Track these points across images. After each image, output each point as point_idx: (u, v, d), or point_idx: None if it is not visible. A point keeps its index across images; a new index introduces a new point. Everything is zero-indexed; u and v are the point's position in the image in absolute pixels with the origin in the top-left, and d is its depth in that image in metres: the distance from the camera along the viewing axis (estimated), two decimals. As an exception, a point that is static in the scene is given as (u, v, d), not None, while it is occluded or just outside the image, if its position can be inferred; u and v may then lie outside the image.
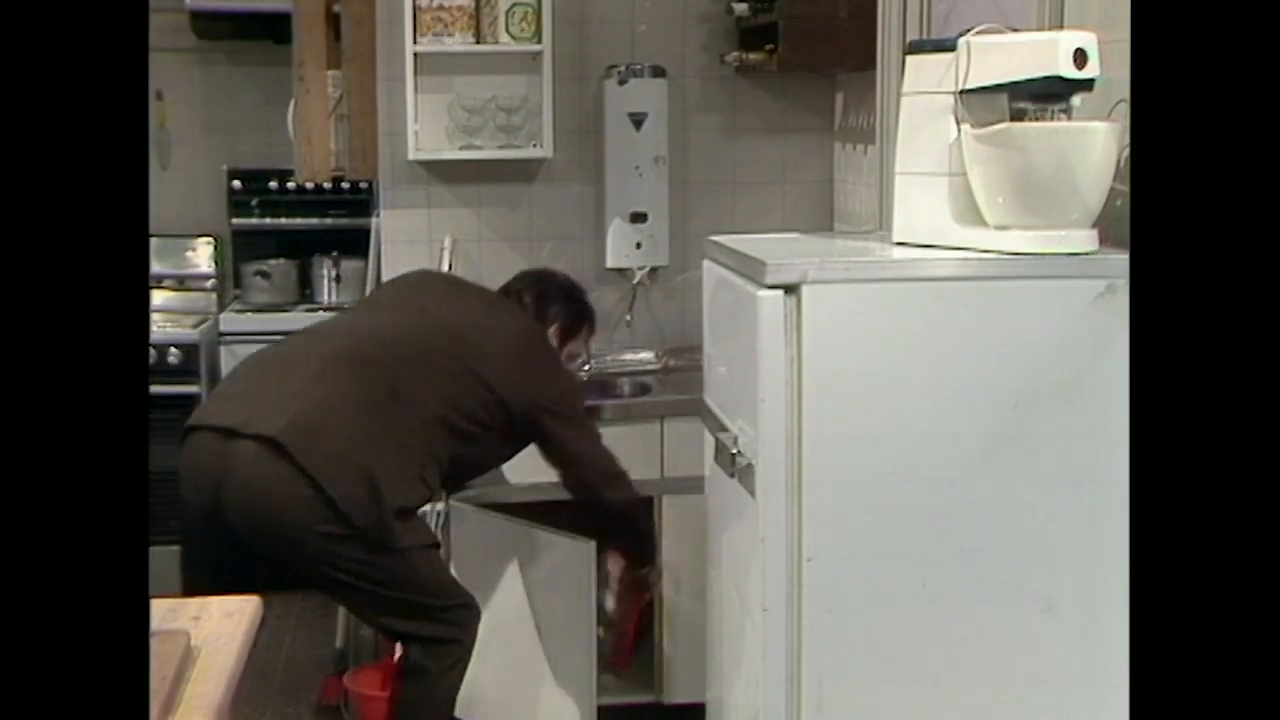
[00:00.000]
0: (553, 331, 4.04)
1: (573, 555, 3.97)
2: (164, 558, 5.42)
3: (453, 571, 3.89)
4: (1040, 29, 3.02)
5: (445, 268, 4.68)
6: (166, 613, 3.09)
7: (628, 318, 4.95)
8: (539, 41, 4.76)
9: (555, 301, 4.12)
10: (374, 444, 3.53)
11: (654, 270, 4.94)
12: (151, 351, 5.33)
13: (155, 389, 5.20)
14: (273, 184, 5.97)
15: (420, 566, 3.62)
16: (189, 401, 5.43)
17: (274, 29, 5.47)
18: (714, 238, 2.93)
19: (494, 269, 4.58)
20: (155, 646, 2.99)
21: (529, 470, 4.09)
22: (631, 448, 4.13)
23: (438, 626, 3.64)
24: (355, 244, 5.59)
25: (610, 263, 4.90)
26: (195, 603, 2.84)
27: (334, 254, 6.03)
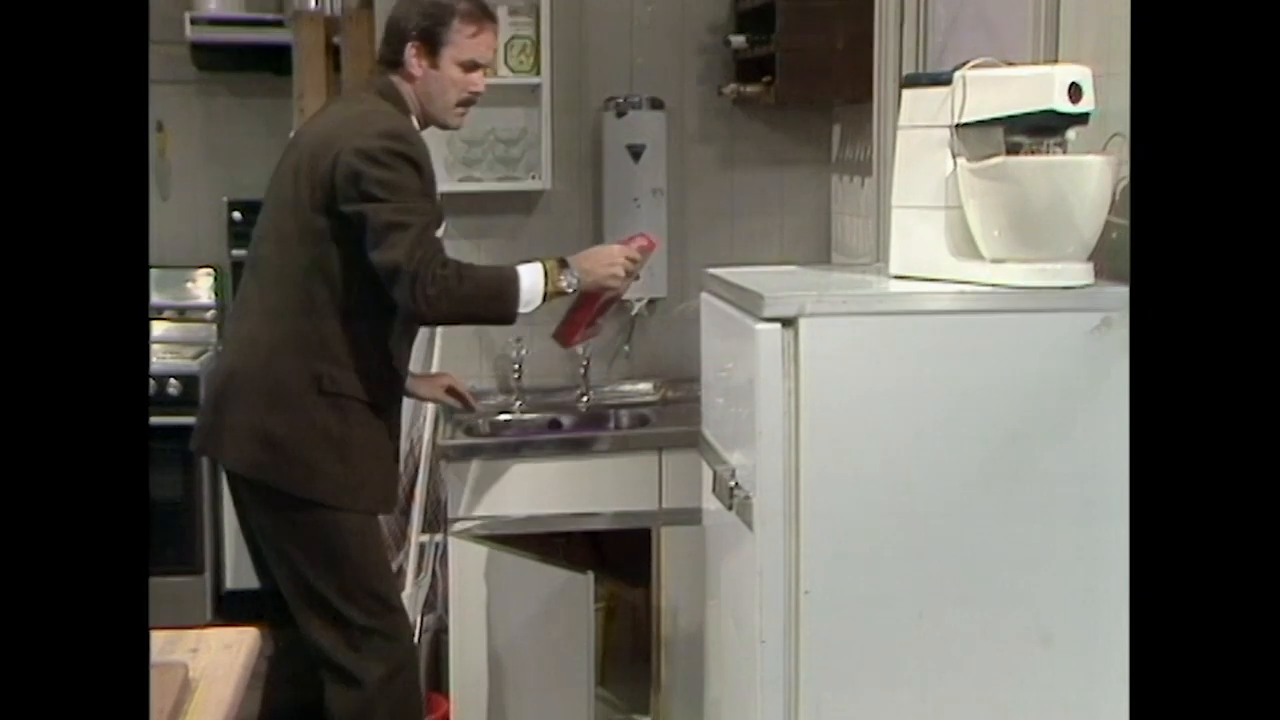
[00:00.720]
0: (411, 55, 3.50)
1: (570, 587, 3.96)
2: (192, 587, 5.43)
3: (450, 602, 3.87)
4: (1035, 63, 3.03)
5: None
6: (165, 644, 3.09)
7: (626, 348, 4.95)
8: (538, 74, 4.78)
9: (401, 22, 3.55)
10: (257, 387, 3.46)
11: (652, 301, 4.94)
12: (151, 382, 5.32)
13: (155, 419, 5.15)
14: (273, 215, 5.97)
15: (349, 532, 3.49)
16: (189, 432, 5.43)
17: (274, 61, 5.49)
18: (712, 270, 2.93)
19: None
20: (154, 678, 2.99)
21: (527, 502, 4.10)
22: (630, 478, 4.13)
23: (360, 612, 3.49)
24: (355, 275, 5.58)
25: (609, 294, 4.90)
26: (193, 634, 2.84)
27: (333, 284, 6.01)
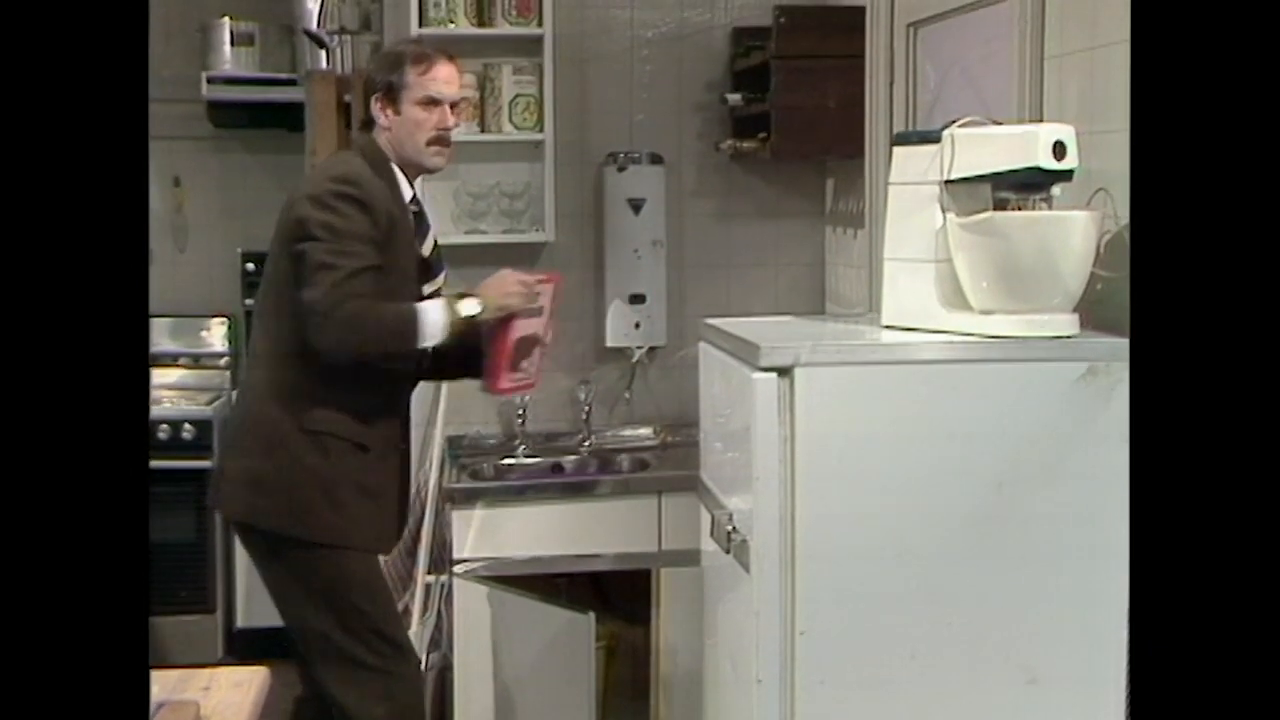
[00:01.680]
0: (377, 107, 3.56)
1: (572, 626, 3.95)
2: (203, 625, 5.41)
3: (455, 641, 3.85)
4: (1021, 121, 3.05)
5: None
6: (177, 682, 3.07)
7: (627, 395, 4.95)
8: (541, 130, 4.80)
9: (365, 82, 3.68)
10: (248, 431, 3.52)
11: (652, 349, 4.94)
12: (166, 427, 5.33)
13: (170, 464, 5.20)
14: (284, 265, 5.98)
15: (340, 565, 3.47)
16: (203, 475, 5.43)
17: (287, 118, 5.50)
18: (709, 320, 2.93)
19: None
20: (166, 716, 2.98)
21: (529, 544, 4.09)
22: (630, 521, 4.12)
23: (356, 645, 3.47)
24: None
25: (610, 342, 4.91)
26: (205, 673, 2.83)
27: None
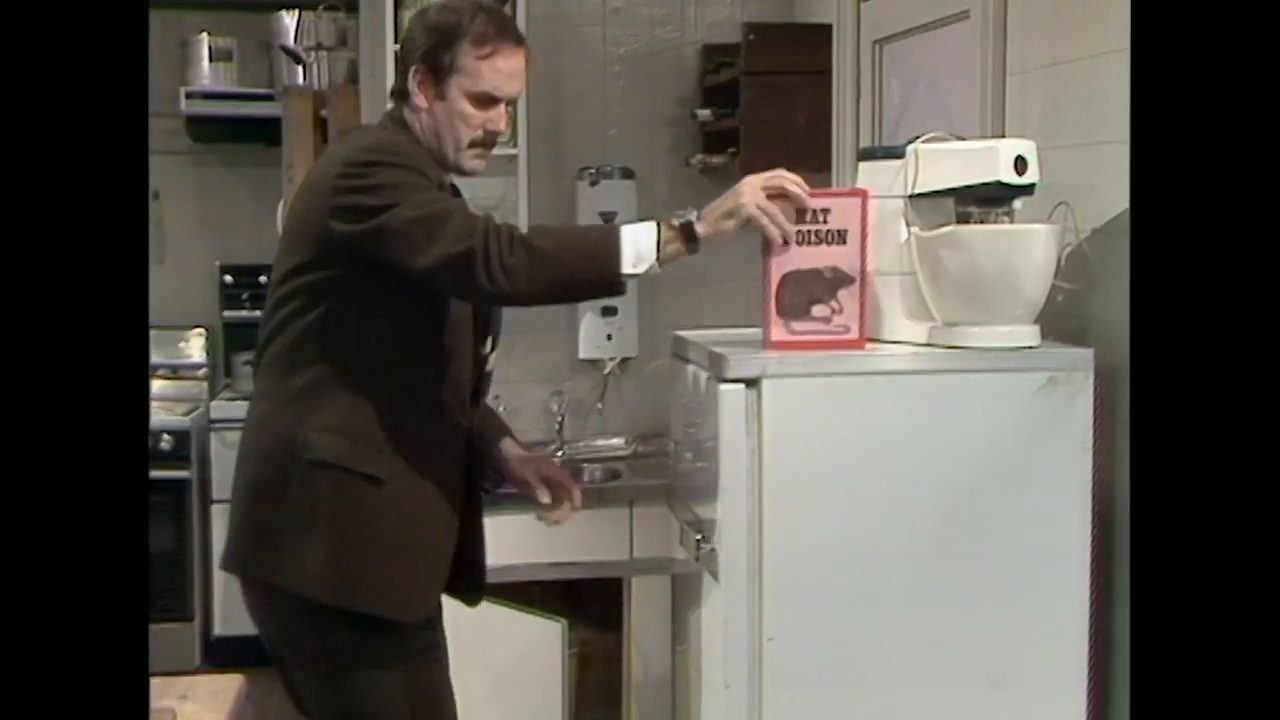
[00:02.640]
0: (415, 83, 2.71)
1: (544, 633, 3.94)
2: (182, 634, 5.38)
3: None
4: (983, 136, 3.05)
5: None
6: (156, 690, 3.07)
7: (599, 406, 4.95)
8: (515, 145, 4.79)
9: (407, 45, 2.77)
10: (241, 470, 2.78)
11: (624, 361, 4.94)
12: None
13: (150, 473, 5.17)
14: (263, 278, 5.94)
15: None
16: (181, 485, 5.40)
17: (265, 133, 5.49)
18: (680, 333, 2.94)
19: (472, 359, 4.58)
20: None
21: (503, 552, 4.07)
22: (602, 530, 4.11)
23: None
24: (341, 335, 5.58)
25: (583, 354, 4.91)
26: (184, 681, 2.83)
27: (321, 344, 6.00)
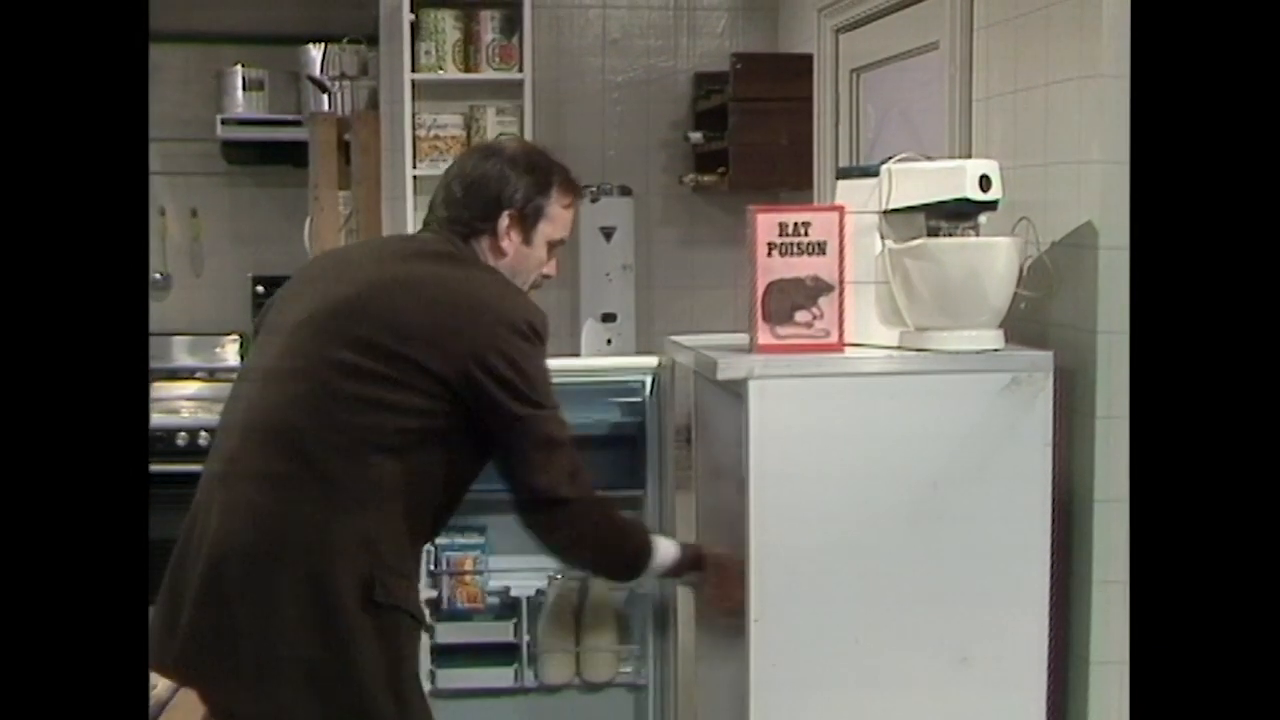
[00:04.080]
0: (505, 226, 2.50)
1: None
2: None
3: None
4: (952, 156, 3.05)
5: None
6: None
7: (600, 405, 4.94)
8: (522, 165, 4.79)
9: (494, 185, 2.52)
10: (274, 639, 2.30)
11: (622, 364, 4.94)
12: (185, 435, 5.30)
13: (188, 467, 5.14)
14: (291, 288, 5.97)
15: None
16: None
17: (293, 155, 5.48)
18: (673, 337, 2.93)
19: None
20: (183, 696, 2.95)
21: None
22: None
23: None
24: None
25: (584, 357, 4.91)
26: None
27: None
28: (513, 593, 3.31)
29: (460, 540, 3.25)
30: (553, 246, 2.57)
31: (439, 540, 3.03)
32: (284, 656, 2.27)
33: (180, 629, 2.31)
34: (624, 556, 2.53)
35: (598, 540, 2.46)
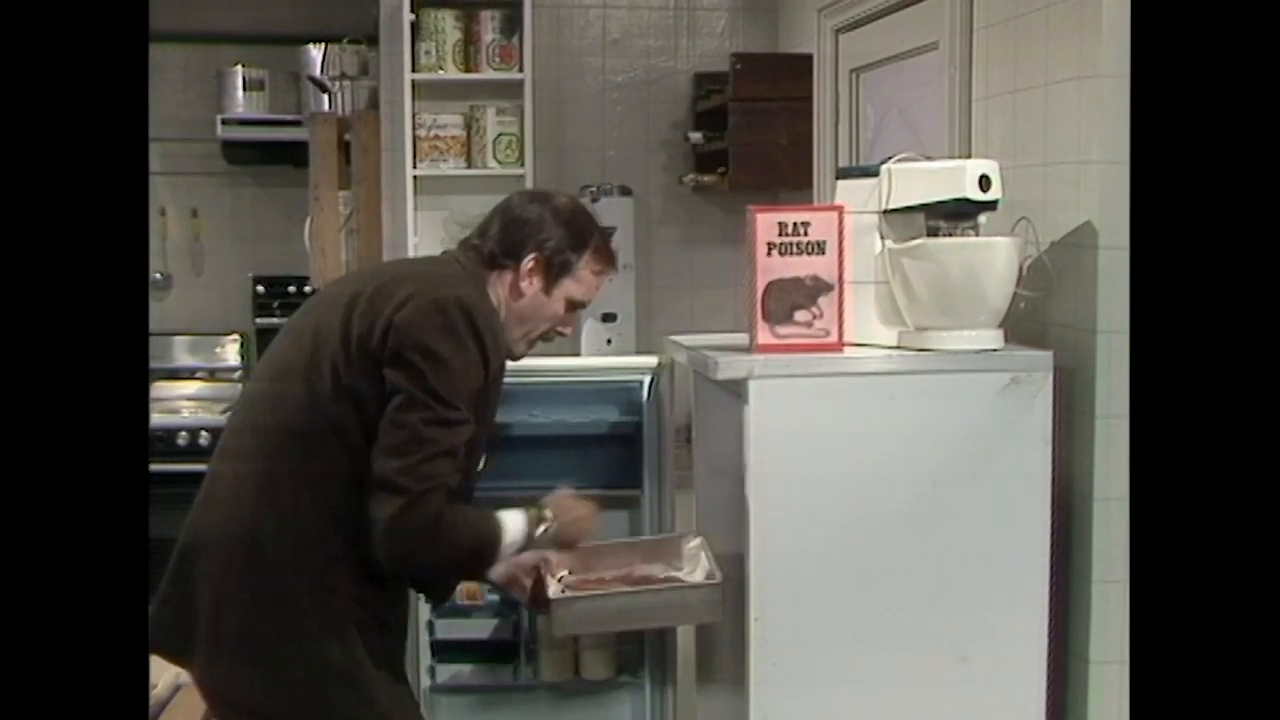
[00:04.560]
0: (528, 268, 2.50)
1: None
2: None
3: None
4: (951, 156, 3.05)
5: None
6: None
7: (600, 404, 4.94)
8: (522, 165, 4.80)
9: (531, 227, 2.52)
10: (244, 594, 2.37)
11: (622, 363, 4.94)
12: (185, 434, 5.30)
13: (188, 466, 5.14)
14: (291, 288, 5.94)
15: None
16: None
17: (294, 155, 5.48)
18: (673, 337, 2.93)
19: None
20: (182, 697, 2.96)
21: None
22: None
23: None
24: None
25: (584, 356, 4.91)
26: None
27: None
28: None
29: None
30: (572, 307, 2.57)
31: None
32: (241, 634, 2.34)
33: (159, 607, 2.38)
34: (464, 548, 2.38)
35: (431, 535, 2.28)
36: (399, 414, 2.28)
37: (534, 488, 2.66)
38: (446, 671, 3.29)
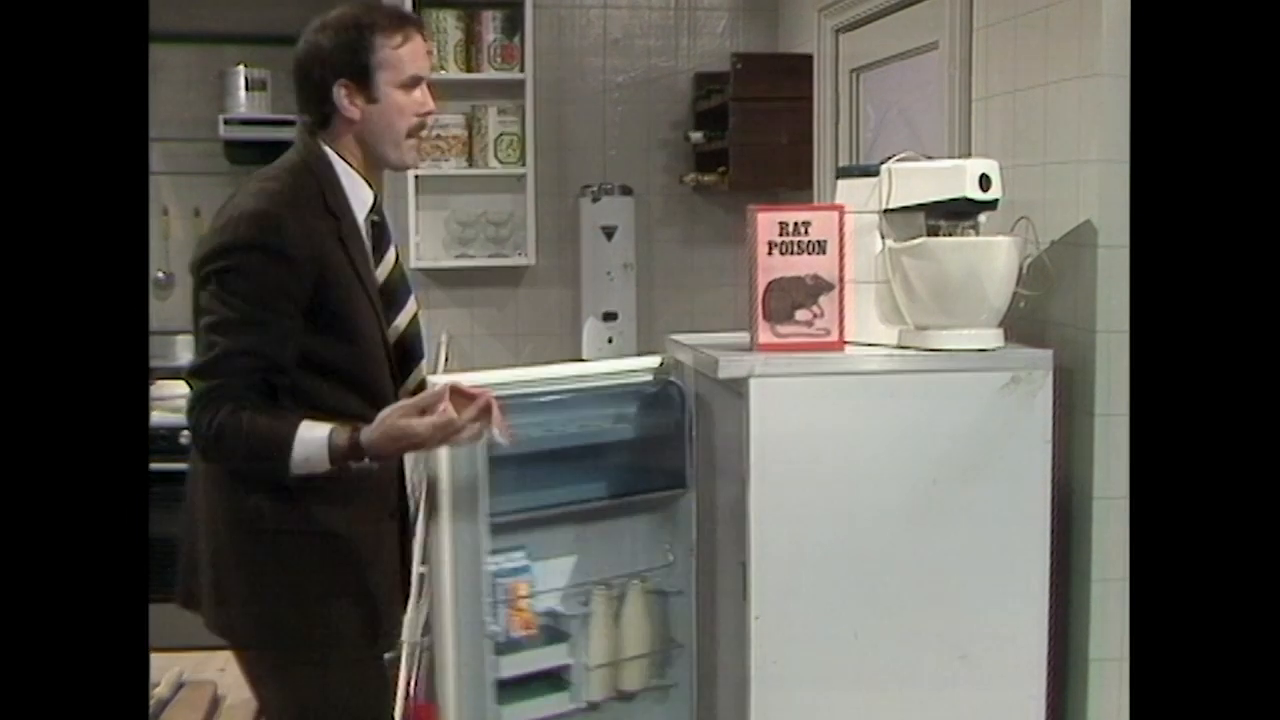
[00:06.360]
0: (342, 96, 2.42)
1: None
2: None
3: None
4: (951, 156, 3.05)
5: (442, 362, 4.67)
6: (195, 665, 3.06)
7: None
8: (523, 165, 4.80)
9: (314, 66, 2.45)
10: (194, 526, 2.52)
11: (623, 362, 4.94)
12: (185, 433, 5.30)
13: (178, 465, 5.15)
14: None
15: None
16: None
17: (295, 155, 5.49)
18: (674, 336, 2.92)
19: (484, 362, 4.57)
20: (185, 695, 2.96)
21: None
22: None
23: None
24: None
25: (585, 355, 4.89)
26: (221, 655, 2.81)
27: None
28: (560, 611, 2.95)
29: (506, 564, 2.85)
30: (410, 85, 2.46)
31: (489, 567, 2.77)
32: (212, 579, 2.46)
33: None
34: (250, 451, 2.33)
35: (217, 435, 2.32)
36: (197, 322, 2.47)
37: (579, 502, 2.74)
38: (513, 712, 2.86)
